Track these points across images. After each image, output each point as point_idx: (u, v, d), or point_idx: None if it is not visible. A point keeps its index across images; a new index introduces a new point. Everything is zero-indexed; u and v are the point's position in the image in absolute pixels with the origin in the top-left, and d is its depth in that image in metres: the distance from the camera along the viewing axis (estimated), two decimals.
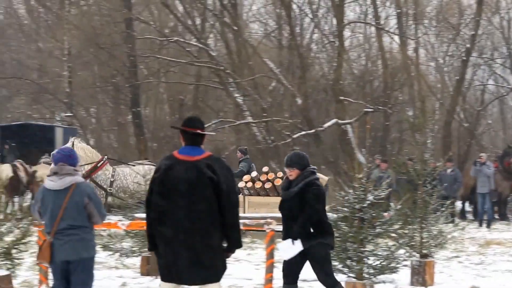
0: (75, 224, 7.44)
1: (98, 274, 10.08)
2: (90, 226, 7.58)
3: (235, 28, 32.79)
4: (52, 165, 7.77)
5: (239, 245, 7.02)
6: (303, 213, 8.19)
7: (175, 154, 7.07)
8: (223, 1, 32.94)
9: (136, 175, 18.53)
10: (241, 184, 18.58)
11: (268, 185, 18.55)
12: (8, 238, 11.02)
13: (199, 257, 6.85)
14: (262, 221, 9.64)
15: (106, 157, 19.45)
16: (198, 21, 35.16)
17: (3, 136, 29.02)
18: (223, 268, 7.03)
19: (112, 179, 18.93)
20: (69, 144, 18.36)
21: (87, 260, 7.49)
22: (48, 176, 7.61)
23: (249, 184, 18.67)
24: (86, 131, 37.68)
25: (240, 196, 17.71)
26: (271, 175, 18.72)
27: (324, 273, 8.34)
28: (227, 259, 7.06)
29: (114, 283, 12.00)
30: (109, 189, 18.90)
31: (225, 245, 7.01)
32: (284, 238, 8.31)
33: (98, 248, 8.74)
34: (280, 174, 18.74)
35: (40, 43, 39.98)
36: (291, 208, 8.30)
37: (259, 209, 17.52)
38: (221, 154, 30.15)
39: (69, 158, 7.61)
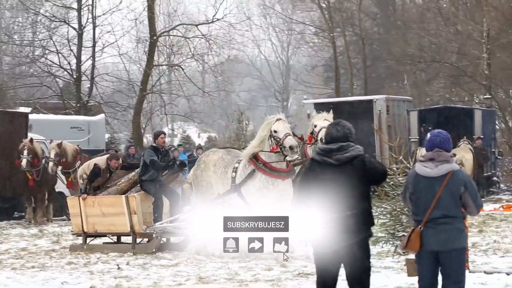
0: (449, 214, 7.08)
1: None
2: (463, 216, 7.18)
3: None
4: (423, 150, 7.42)
5: None
6: None
7: None
8: None
9: None
10: None
11: None
12: None
13: None
14: None
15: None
16: None
17: (421, 119, 29.45)
18: None
19: None
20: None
21: (458, 251, 7.11)
22: (422, 161, 7.24)
23: None
24: (505, 113, 37.05)
25: None
26: None
27: None
28: None
29: None
30: None
31: None
32: None
33: None
34: None
35: (458, 26, 40.02)
36: None
37: None
38: None
39: (447, 143, 7.23)
